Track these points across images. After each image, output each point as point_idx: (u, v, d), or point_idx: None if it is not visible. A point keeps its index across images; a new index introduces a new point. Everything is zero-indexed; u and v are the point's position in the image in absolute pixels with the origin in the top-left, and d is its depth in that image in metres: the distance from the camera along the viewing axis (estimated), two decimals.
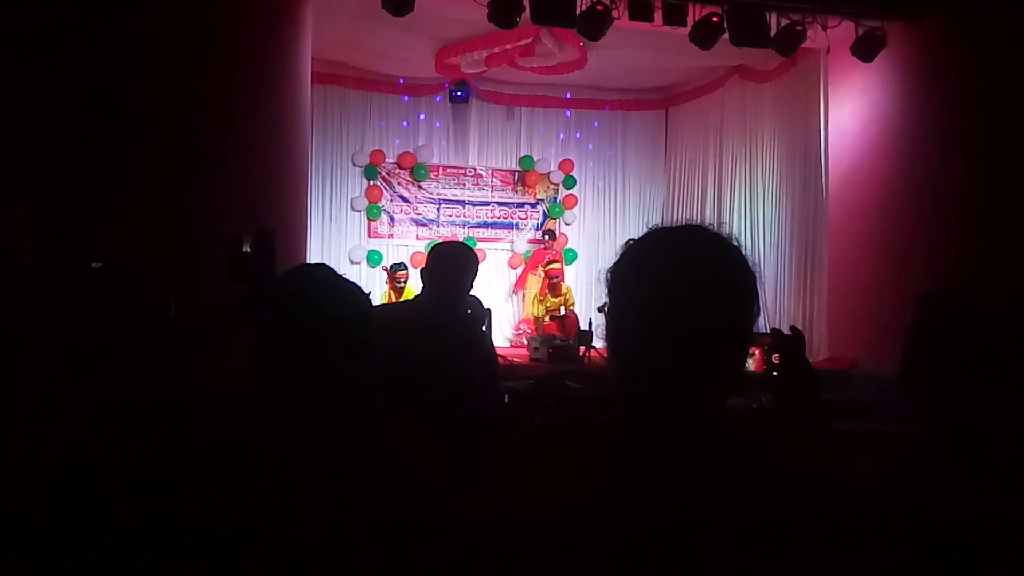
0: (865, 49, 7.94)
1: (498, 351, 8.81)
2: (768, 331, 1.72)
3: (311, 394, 1.53)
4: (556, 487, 1.21)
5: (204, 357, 2.45)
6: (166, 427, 1.78)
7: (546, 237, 12.04)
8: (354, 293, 1.63)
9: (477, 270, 3.46)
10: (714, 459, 1.21)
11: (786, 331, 1.71)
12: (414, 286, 9.86)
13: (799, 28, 7.76)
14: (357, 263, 11.71)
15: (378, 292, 10.94)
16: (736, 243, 1.31)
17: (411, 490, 1.49)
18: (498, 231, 12.40)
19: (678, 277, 1.24)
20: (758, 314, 1.29)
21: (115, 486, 1.93)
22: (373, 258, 11.75)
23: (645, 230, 1.35)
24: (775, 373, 1.69)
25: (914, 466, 1.56)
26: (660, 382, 1.24)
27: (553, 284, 10.55)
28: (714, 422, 1.25)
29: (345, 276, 1.67)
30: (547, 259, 11.52)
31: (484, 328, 7.74)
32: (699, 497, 1.19)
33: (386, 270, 10.66)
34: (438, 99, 12.13)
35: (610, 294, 1.30)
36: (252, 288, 2.46)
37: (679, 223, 1.32)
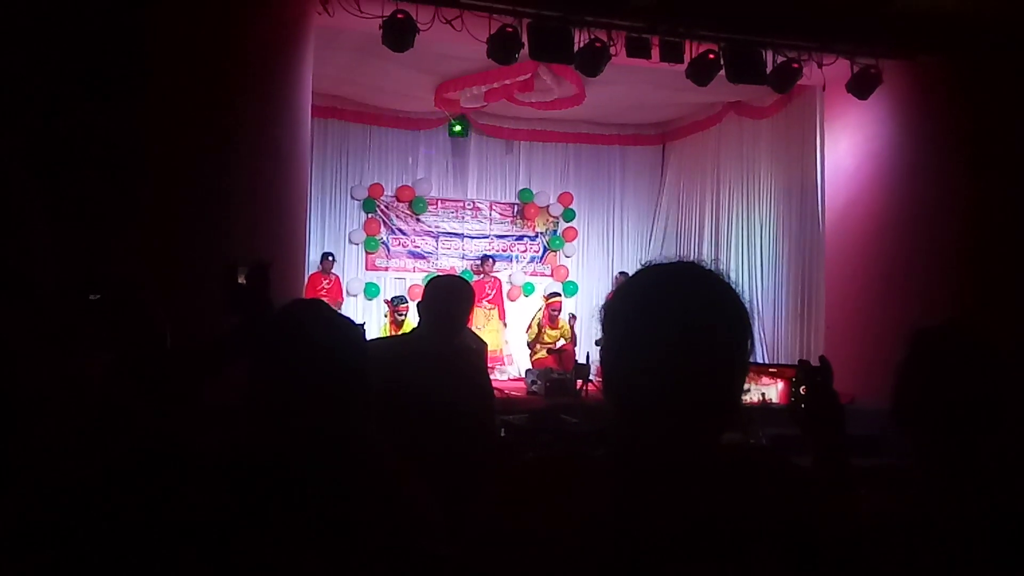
0: (860, 86, 8.02)
1: (496, 384, 8.79)
2: (796, 363, 1.73)
3: (303, 428, 1.53)
4: (548, 525, 1.20)
5: (200, 388, 2.45)
6: (159, 461, 1.77)
7: (484, 265, 11.97)
8: (348, 328, 1.64)
9: (473, 303, 3.47)
10: (709, 497, 1.21)
11: (815, 362, 1.71)
12: (413, 319, 9.90)
13: (795, 66, 7.84)
14: (355, 295, 11.72)
15: (377, 324, 10.97)
16: (729, 280, 1.31)
17: (404, 526, 1.48)
18: (497, 263, 12.42)
19: (672, 314, 1.25)
20: (752, 351, 1.30)
21: (109, 519, 1.92)
22: (370, 291, 11.76)
23: (639, 266, 1.36)
24: (802, 405, 1.69)
25: (908, 504, 1.56)
26: (655, 419, 1.24)
27: (553, 316, 10.58)
28: (709, 459, 1.25)
29: (339, 311, 1.68)
30: (548, 291, 11.59)
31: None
32: (694, 535, 1.18)
33: (387, 303, 10.73)
34: (438, 133, 12.22)
35: (605, 331, 1.31)
36: (247, 319, 2.47)
37: (673, 260, 1.33)
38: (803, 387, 1.67)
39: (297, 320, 1.61)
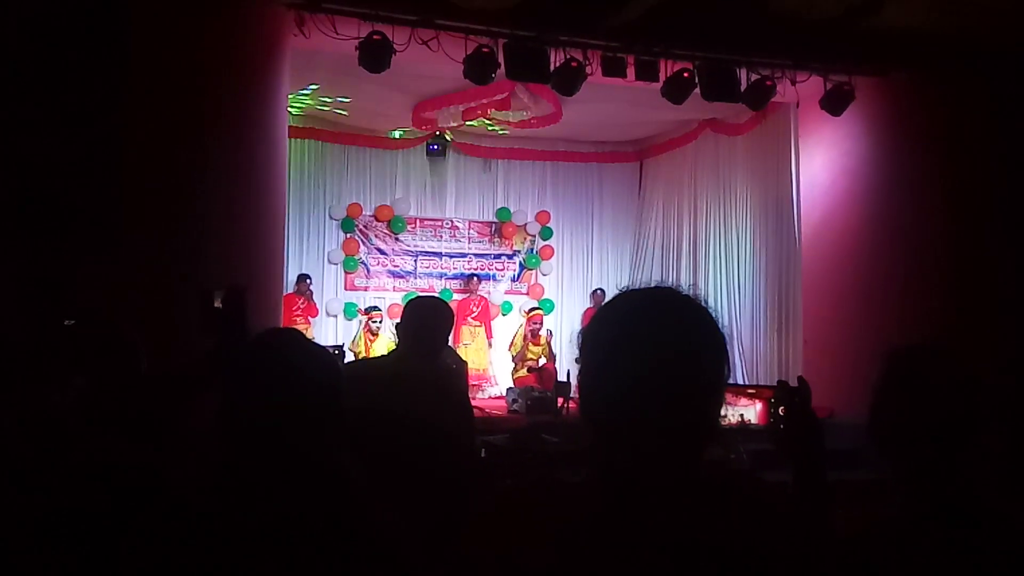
0: (834, 103, 8.12)
1: (478, 403, 8.77)
2: (775, 383, 1.73)
3: (275, 456, 1.52)
4: (526, 553, 1.20)
5: (175, 414, 2.43)
6: (133, 489, 1.75)
7: (469, 283, 12.03)
8: (322, 357, 1.63)
9: (452, 323, 3.47)
10: (687, 522, 1.20)
11: (793, 382, 1.71)
12: (387, 328, 9.99)
13: (768, 83, 7.92)
14: (334, 316, 11.67)
15: (354, 332, 10.98)
16: (705, 305, 1.32)
17: (375, 555, 1.47)
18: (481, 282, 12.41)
19: (648, 339, 1.25)
20: (729, 376, 1.30)
21: (83, 544, 1.89)
22: (350, 311, 11.72)
23: (617, 290, 1.37)
24: (781, 426, 1.69)
25: (884, 524, 1.57)
26: (631, 444, 1.24)
27: (534, 330, 10.58)
28: (687, 484, 1.25)
29: (314, 340, 1.68)
30: (527, 306, 11.61)
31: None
32: (673, 560, 1.18)
33: (361, 312, 10.82)
34: (415, 152, 12.24)
35: (582, 355, 1.31)
36: (222, 343, 2.45)
37: (649, 285, 1.34)
38: (781, 408, 1.68)
39: (271, 348, 1.60)
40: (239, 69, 6.34)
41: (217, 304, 2.71)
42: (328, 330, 11.51)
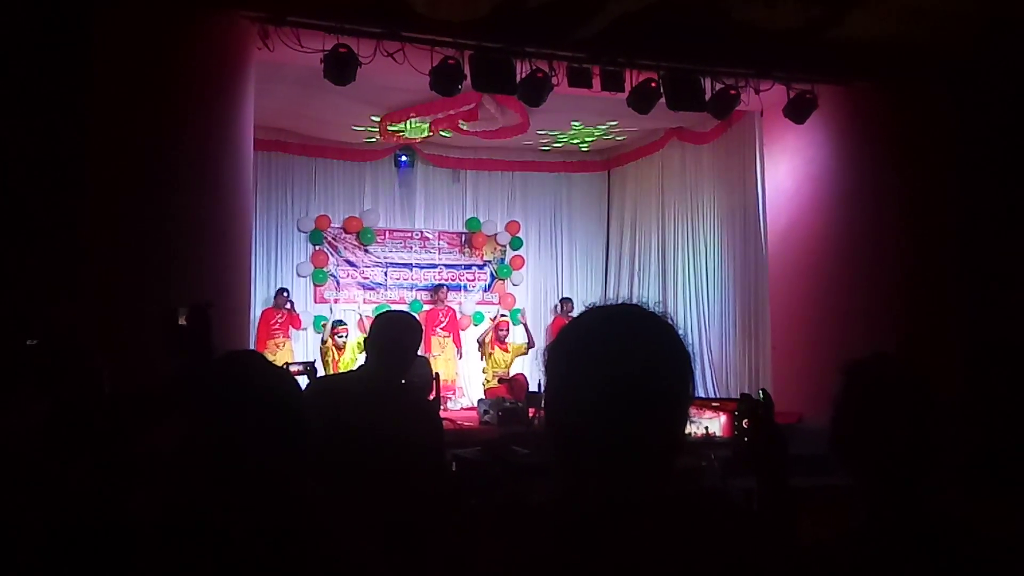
0: (797, 111, 8.21)
1: (448, 415, 8.73)
2: (738, 396, 1.75)
3: (237, 478, 1.50)
4: (492, 574, 1.19)
5: (137, 435, 2.39)
6: (97, 514, 1.73)
7: (437, 293, 12.01)
8: (283, 379, 1.62)
9: (421, 338, 3.46)
10: (652, 541, 1.21)
11: (758, 395, 1.73)
12: (352, 340, 9.93)
13: (732, 92, 8.00)
14: (303, 329, 11.59)
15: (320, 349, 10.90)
16: (671, 322, 1.33)
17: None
18: (449, 292, 12.38)
19: (613, 357, 1.26)
20: (694, 391, 1.31)
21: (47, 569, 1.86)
22: (318, 324, 11.64)
23: (584, 307, 1.38)
24: (745, 438, 1.70)
25: (848, 532, 1.58)
26: (595, 462, 1.25)
27: (501, 336, 10.59)
28: (650, 502, 1.25)
29: (274, 364, 1.67)
30: (497, 314, 11.62)
31: (432, 395, 7.70)
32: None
33: (325, 326, 10.76)
34: (384, 164, 12.22)
35: (547, 372, 1.32)
36: (188, 361, 2.43)
37: (615, 302, 1.35)
38: (745, 420, 1.69)
39: (229, 372, 1.59)
40: (203, 82, 6.30)
41: (182, 322, 2.68)
42: (298, 344, 11.42)
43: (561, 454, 1.28)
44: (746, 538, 1.26)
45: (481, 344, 10.79)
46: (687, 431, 1.32)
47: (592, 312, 1.34)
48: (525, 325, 11.43)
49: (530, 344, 10.80)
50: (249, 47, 6.90)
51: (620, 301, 1.35)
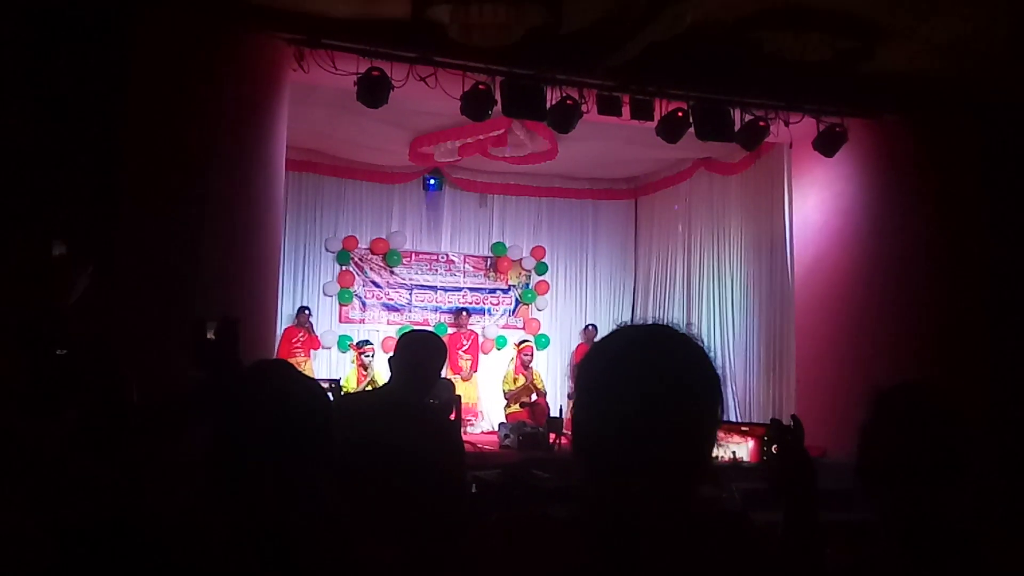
0: (826, 144, 8.19)
1: (469, 438, 8.71)
2: (768, 421, 1.73)
3: (262, 489, 1.51)
4: None
5: (164, 443, 2.42)
6: (123, 519, 1.74)
7: (459, 317, 12.01)
8: (312, 390, 1.63)
9: (445, 358, 3.47)
10: (676, 560, 1.20)
11: (787, 421, 1.71)
12: (380, 364, 9.97)
13: (762, 124, 8.00)
14: (328, 348, 11.64)
15: (347, 368, 10.95)
16: (701, 343, 1.33)
17: None
18: (472, 316, 12.41)
19: (643, 376, 1.26)
20: (723, 414, 1.31)
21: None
22: (343, 344, 11.70)
23: (614, 326, 1.38)
24: (774, 464, 1.68)
25: (872, 559, 1.56)
26: (623, 480, 1.25)
27: (525, 362, 10.57)
28: (677, 521, 1.25)
29: (305, 374, 1.68)
30: (519, 339, 11.60)
31: (452, 415, 7.70)
32: None
33: (353, 346, 10.84)
34: (412, 187, 12.32)
35: (577, 390, 1.32)
36: (214, 375, 2.45)
37: (646, 322, 1.35)
38: (774, 446, 1.67)
39: (262, 379, 1.60)
40: (238, 101, 6.40)
41: (210, 335, 2.71)
42: (322, 363, 11.48)
43: (588, 469, 1.28)
44: (770, 562, 1.25)
45: (505, 379, 10.69)
46: (714, 454, 1.32)
47: (622, 331, 1.35)
48: (534, 381, 10.88)
49: (544, 392, 10.66)
50: (285, 68, 7.01)
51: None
